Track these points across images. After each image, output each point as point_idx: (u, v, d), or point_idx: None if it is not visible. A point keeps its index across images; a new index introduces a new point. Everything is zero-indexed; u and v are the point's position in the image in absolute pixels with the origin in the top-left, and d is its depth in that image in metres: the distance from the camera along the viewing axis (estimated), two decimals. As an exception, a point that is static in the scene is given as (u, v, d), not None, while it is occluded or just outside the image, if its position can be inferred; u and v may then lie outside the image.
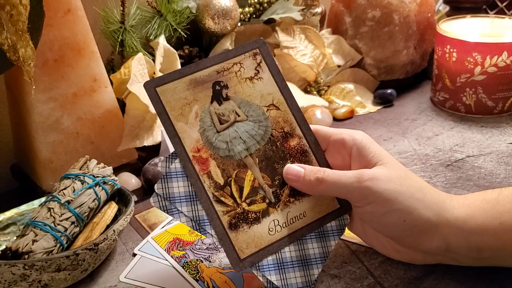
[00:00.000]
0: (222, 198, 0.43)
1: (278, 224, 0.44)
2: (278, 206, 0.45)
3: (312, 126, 0.48)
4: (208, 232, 0.43)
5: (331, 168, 0.47)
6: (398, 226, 0.42)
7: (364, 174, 0.42)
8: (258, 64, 0.47)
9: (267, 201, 0.44)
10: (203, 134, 0.44)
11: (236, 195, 0.44)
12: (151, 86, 0.44)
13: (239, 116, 0.45)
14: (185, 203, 0.43)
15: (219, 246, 0.50)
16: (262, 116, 0.46)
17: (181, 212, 0.43)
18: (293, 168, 0.45)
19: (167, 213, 0.43)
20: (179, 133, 0.43)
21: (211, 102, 0.45)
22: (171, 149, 0.65)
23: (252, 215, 0.44)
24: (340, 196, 0.45)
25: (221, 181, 0.44)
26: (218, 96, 0.45)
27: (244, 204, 0.44)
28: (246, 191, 0.44)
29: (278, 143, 0.46)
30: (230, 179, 0.44)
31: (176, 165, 0.43)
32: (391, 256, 0.47)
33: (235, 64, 0.47)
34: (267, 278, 0.43)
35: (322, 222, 0.46)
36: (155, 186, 0.43)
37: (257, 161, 0.45)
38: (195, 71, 0.45)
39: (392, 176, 0.42)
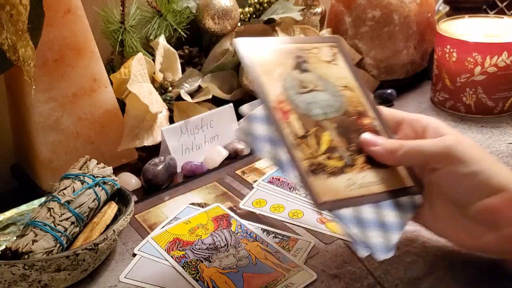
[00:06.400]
0: (301, 146, 0.44)
1: (354, 184, 0.44)
2: (354, 169, 0.45)
3: (384, 109, 0.49)
4: (289, 173, 0.43)
5: None
6: (478, 191, 0.42)
7: (448, 136, 0.43)
8: (334, 54, 0.50)
9: (343, 161, 0.45)
10: (285, 91, 0.46)
11: (315, 147, 0.44)
12: (242, 42, 0.46)
13: (318, 86, 0.47)
14: (267, 144, 0.44)
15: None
16: (337, 93, 0.48)
17: (263, 150, 0.43)
18: (372, 135, 0.46)
19: (250, 145, 0.45)
20: (264, 85, 0.45)
21: (293, 69, 0.47)
22: (171, 148, 0.65)
23: (330, 169, 0.44)
24: (419, 161, 0.45)
25: (300, 132, 0.44)
26: (300, 66, 0.48)
27: (322, 157, 0.44)
28: (323, 147, 0.44)
29: (352, 118, 0.47)
30: (309, 133, 0.44)
31: (259, 111, 0.45)
32: (461, 244, 0.46)
33: (315, 48, 0.50)
34: (347, 231, 0.42)
35: (396, 195, 0.45)
36: (240, 121, 0.45)
37: (334, 127, 0.46)
38: (281, 42, 0.49)
39: (474, 144, 0.43)
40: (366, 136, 0.46)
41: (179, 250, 0.51)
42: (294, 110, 0.45)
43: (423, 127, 0.46)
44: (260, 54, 0.47)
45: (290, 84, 0.46)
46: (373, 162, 0.46)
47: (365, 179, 0.45)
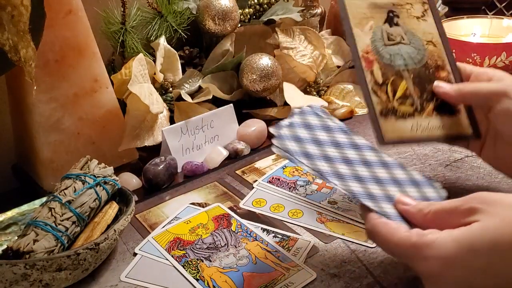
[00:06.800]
0: (378, 92, 0.51)
1: (419, 127, 0.51)
2: (422, 114, 0.52)
3: (457, 63, 0.55)
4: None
5: None
6: None
7: (508, 79, 0.48)
8: (425, 10, 0.57)
9: (414, 107, 0.52)
10: (373, 43, 0.53)
11: (390, 94, 0.51)
12: None
13: (403, 40, 0.54)
14: (302, 157, 0.45)
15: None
16: (421, 46, 0.55)
17: (302, 162, 0.45)
18: (443, 82, 0.52)
19: (289, 159, 0.45)
20: (355, 36, 0.52)
21: (384, 23, 0.54)
22: (172, 148, 0.66)
23: (400, 113, 0.51)
24: (479, 99, 0.50)
25: (380, 80, 0.51)
26: (390, 20, 0.55)
27: (395, 103, 0.51)
28: (398, 94, 0.52)
29: (430, 70, 0.54)
30: (388, 81, 0.52)
31: (285, 124, 0.47)
32: None
33: (407, 3, 0.56)
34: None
35: (454, 141, 0.54)
36: (272, 141, 0.46)
37: (412, 77, 0.53)
38: None
39: None
40: (438, 81, 0.53)
41: (180, 250, 0.51)
42: (378, 60, 0.52)
43: (489, 78, 0.50)
44: (357, 7, 0.54)
45: (379, 36, 0.53)
46: (440, 109, 0.52)
47: (429, 124, 0.52)
